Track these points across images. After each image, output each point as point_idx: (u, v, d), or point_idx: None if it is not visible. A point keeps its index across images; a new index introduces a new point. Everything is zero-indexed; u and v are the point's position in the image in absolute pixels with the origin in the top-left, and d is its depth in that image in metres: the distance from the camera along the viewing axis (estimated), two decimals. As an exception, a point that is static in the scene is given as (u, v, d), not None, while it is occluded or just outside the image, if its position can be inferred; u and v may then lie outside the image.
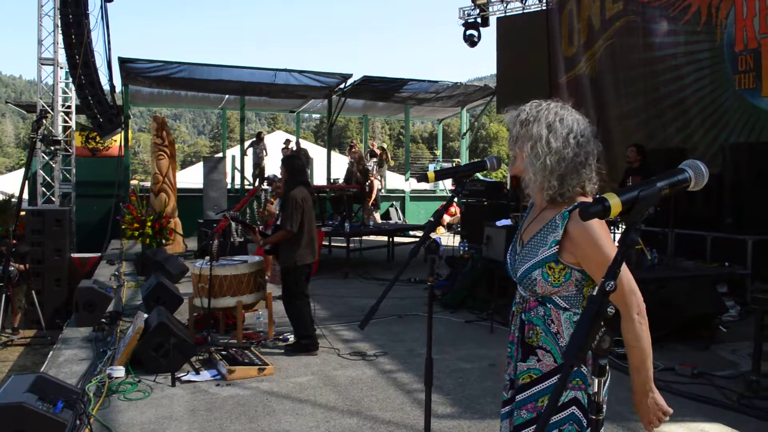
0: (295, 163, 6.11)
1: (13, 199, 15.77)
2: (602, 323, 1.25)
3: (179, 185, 14.24)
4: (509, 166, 2.10)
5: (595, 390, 1.33)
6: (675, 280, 6.27)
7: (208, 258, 5.87)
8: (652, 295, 5.99)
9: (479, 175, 15.24)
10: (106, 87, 12.70)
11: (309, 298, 5.96)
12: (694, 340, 5.94)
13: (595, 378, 1.31)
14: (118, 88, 14.43)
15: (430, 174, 2.62)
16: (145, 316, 5.66)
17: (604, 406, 1.95)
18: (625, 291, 1.80)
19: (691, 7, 9.93)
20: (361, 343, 6.11)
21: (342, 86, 16.75)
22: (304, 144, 19.62)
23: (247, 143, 18.82)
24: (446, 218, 16.00)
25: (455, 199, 2.96)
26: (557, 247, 1.90)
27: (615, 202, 1.31)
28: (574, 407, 1.89)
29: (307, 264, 5.81)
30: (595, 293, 1.28)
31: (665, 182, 1.36)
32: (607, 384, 1.89)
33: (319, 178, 19.90)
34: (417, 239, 14.01)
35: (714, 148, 9.37)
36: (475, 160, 3.57)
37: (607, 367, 1.34)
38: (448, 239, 11.43)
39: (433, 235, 2.75)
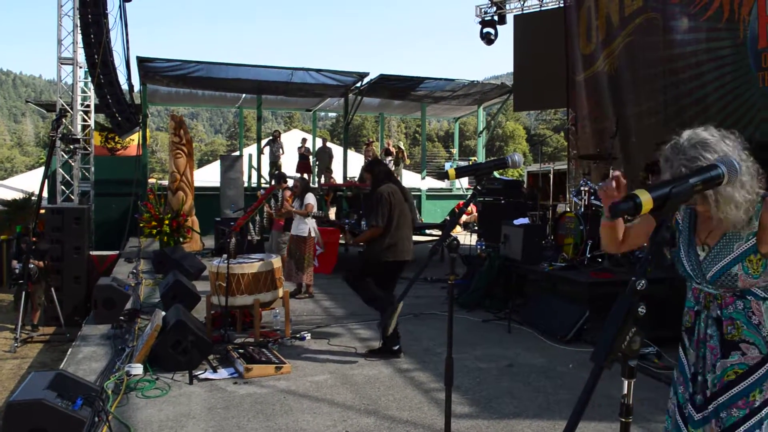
0: (380, 169, 5.86)
1: (33, 197, 15.96)
2: (633, 323, 1.22)
3: (196, 184, 14.32)
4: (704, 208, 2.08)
5: (624, 392, 1.29)
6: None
7: (225, 256, 5.88)
8: (669, 292, 5.90)
9: (497, 174, 15.15)
10: (124, 86, 12.81)
11: (393, 297, 5.56)
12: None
13: (624, 380, 1.27)
14: (137, 87, 14.56)
15: (451, 171, 2.60)
16: (163, 313, 5.67)
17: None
18: None
19: (713, 3, 9.76)
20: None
21: (358, 85, 16.77)
22: (321, 143, 19.60)
23: (263, 142, 18.90)
24: (463, 217, 15.93)
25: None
26: (755, 239, 1.93)
27: (646, 199, 1.27)
28: None
29: (390, 261, 5.51)
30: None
31: (698, 178, 1.32)
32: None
33: (335, 177, 19.91)
34: (433, 238, 14.01)
35: (735, 147, 9.21)
36: (492, 158, 3.53)
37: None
38: (465, 238, 11.36)
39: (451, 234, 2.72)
